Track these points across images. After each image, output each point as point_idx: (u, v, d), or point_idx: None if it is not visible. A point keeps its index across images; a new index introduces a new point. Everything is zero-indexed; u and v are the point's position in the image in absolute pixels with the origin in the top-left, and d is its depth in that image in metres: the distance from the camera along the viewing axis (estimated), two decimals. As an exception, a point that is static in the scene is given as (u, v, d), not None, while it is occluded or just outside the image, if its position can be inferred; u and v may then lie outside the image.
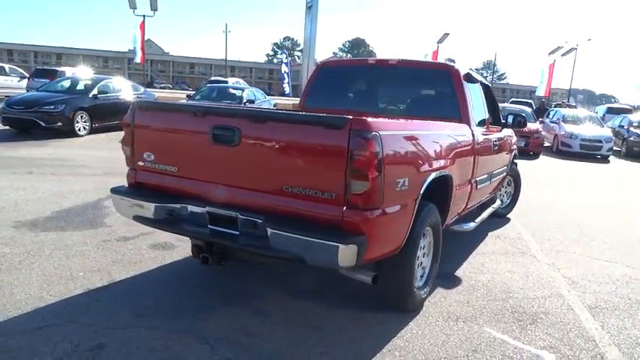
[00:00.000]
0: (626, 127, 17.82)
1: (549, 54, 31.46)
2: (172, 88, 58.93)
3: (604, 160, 15.65)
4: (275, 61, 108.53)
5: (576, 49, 32.21)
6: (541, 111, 21.99)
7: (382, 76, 4.86)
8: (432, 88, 4.64)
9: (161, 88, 55.55)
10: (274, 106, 15.95)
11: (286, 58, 31.92)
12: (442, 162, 3.43)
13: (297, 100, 23.65)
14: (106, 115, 12.84)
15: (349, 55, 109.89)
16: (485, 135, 4.71)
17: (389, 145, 2.70)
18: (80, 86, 13.30)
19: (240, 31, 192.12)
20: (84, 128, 12.13)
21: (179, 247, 4.58)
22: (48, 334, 2.92)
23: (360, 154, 2.54)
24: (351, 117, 2.59)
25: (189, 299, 3.53)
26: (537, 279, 4.39)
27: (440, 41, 30.26)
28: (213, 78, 29.37)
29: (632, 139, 17.05)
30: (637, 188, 11.08)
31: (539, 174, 11.14)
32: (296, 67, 33.93)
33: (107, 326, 3.06)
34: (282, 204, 2.83)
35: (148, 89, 16.77)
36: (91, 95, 12.48)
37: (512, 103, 24.21)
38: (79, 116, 11.99)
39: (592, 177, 12.31)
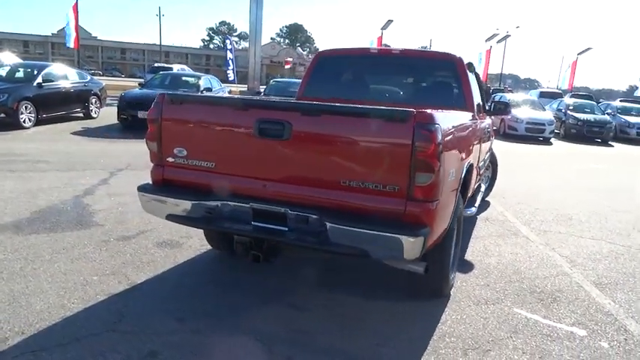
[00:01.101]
0: (563, 110, 19.02)
1: (486, 40, 32.86)
2: (103, 75, 55.83)
3: (546, 142, 16.65)
4: (211, 46, 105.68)
5: (510, 35, 33.83)
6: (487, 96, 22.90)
7: (385, 65, 4.87)
8: (437, 77, 4.72)
9: (92, 75, 52.36)
10: (229, 93, 15.57)
11: (230, 44, 31.08)
12: (471, 151, 3.52)
13: (244, 87, 23.21)
14: (52, 105, 12.02)
15: (287, 40, 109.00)
16: (482, 122, 4.86)
17: (445, 137, 2.73)
18: (21, 74, 12.31)
19: (174, 16, 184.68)
20: (29, 120, 11.26)
21: (186, 245, 4.42)
22: (91, 345, 2.73)
23: (425, 147, 2.55)
24: (414, 110, 2.59)
25: (220, 298, 3.42)
26: (539, 259, 4.63)
27: (384, 28, 30.66)
28: (157, 65, 28.09)
29: (569, 121, 18.26)
30: (585, 168, 11.89)
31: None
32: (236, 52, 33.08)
33: (150, 332, 2.90)
34: (339, 198, 2.79)
35: (94, 77, 15.76)
36: (35, 84, 11.57)
37: None
38: (24, 107, 11.10)
39: (542, 159, 13.07)
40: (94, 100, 13.91)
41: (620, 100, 27.15)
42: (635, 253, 5.02)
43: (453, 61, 4.53)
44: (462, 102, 4.41)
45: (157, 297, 3.39)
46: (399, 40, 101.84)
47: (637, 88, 46.03)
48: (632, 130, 18.98)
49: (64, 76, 12.87)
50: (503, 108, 5.54)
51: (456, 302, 3.56)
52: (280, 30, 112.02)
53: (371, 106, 2.82)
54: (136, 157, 8.61)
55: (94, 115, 13.94)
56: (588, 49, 33.97)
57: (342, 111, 2.78)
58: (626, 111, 20.30)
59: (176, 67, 23.95)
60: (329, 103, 2.98)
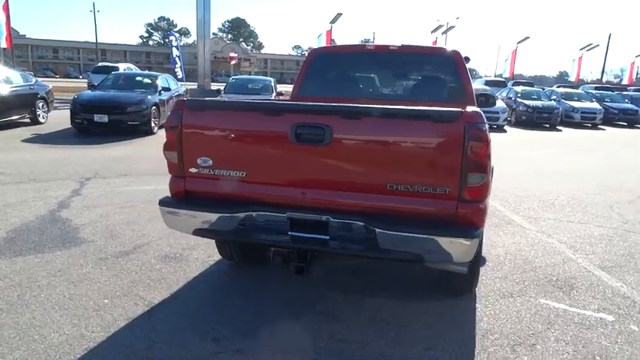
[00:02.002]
0: (513, 98, 19.79)
1: (431, 32, 33.59)
2: (34, 76, 52.47)
3: (500, 129, 17.25)
4: (151, 43, 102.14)
5: (454, 27, 34.78)
6: None
7: (383, 62, 4.80)
8: (437, 73, 4.70)
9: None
10: (186, 92, 15.05)
11: (176, 40, 30.02)
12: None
13: (193, 85, 22.17)
14: (-5, 111, 11.13)
15: (230, 35, 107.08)
16: None
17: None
18: (-44, 78, 11.32)
19: (110, 12, 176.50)
20: (-28, 128, 10.38)
21: (191, 257, 4.19)
22: (130, 379, 2.51)
23: (478, 147, 2.50)
24: (461, 110, 2.54)
25: (248, 312, 3.26)
26: (542, 247, 4.74)
27: (332, 21, 30.67)
28: (101, 64, 26.65)
29: (520, 109, 19.04)
30: (542, 153, 12.40)
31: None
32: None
33: (191, 357, 2.70)
34: (385, 203, 2.70)
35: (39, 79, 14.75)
36: (-26, 89, 10.68)
37: None
38: (-35, 114, 10.23)
39: (501, 146, 13.51)
40: (41, 105, 13.01)
41: (558, 86, 28.65)
42: (623, 234, 5.25)
43: (452, 55, 4.53)
44: (463, 97, 4.42)
45: (182, 317, 3.17)
46: (347, 34, 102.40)
47: (567, 74, 48.68)
48: (576, 114, 20.05)
49: (7, 79, 11.94)
50: (491, 101, 5.60)
51: (484, 297, 3.57)
52: (222, 25, 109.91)
53: (416, 107, 2.73)
54: (102, 163, 8.14)
55: (42, 121, 13.05)
56: (527, 38, 35.51)
57: (384, 113, 2.68)
58: (569, 97, 21.40)
59: (122, 67, 22.85)
60: (372, 105, 2.86)
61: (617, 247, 4.82)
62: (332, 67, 4.91)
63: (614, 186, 7.90)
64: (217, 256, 4.18)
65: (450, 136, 2.53)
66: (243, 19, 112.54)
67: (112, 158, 8.73)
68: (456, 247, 2.53)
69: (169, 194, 3.14)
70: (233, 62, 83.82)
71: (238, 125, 2.88)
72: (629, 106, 22.04)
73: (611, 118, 21.01)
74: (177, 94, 13.80)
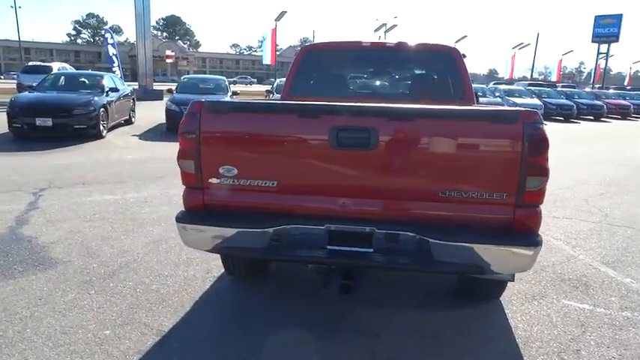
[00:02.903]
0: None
1: (374, 31, 34.02)
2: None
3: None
4: (79, 41, 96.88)
5: (396, 25, 35.40)
6: None
7: (379, 59, 4.61)
8: (437, 70, 4.57)
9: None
10: (133, 92, 14.20)
11: (112, 37, 28.44)
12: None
13: (134, 85, 20.85)
14: None
15: (164, 33, 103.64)
16: None
17: None
18: None
19: (32, 7, 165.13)
20: None
21: (188, 274, 3.82)
22: None
23: (538, 149, 2.35)
24: (520, 109, 2.38)
25: (277, 334, 2.95)
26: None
27: (277, 19, 30.32)
28: (31, 63, 24.69)
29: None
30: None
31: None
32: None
33: (228, 395, 2.38)
34: (437, 211, 2.50)
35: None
36: None
37: None
38: None
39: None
40: (-30, 108, 11.79)
41: (495, 83, 29.92)
42: (608, 228, 5.39)
43: (451, 52, 4.42)
44: (463, 94, 4.32)
45: (199, 343, 2.82)
46: (287, 33, 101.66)
47: (497, 72, 51.14)
48: (519, 110, 20.92)
49: None
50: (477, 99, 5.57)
51: (508, 301, 3.47)
52: (157, 22, 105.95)
53: (472, 107, 2.55)
54: (53, 172, 7.42)
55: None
56: (464, 37, 36.82)
57: (439, 114, 2.47)
58: (511, 93, 22.34)
59: (56, 66, 21.23)
60: (420, 106, 2.65)
61: (609, 242, 4.91)
62: (325, 64, 4.66)
63: (583, 179, 8.20)
64: (216, 272, 3.85)
65: (508, 138, 2.37)
66: (179, 17, 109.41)
67: (64, 166, 8.00)
68: (519, 257, 2.38)
69: (183, 208, 2.77)
70: (170, 61, 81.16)
71: (268, 129, 2.57)
72: (565, 101, 23.33)
73: (550, 114, 22.12)
74: (124, 94, 12.99)
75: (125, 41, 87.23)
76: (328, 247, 2.57)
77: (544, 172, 2.39)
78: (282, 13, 29.96)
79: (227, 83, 14.29)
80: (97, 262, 4.00)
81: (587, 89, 28.22)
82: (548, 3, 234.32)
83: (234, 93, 13.94)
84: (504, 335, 3.01)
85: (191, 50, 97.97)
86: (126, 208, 5.61)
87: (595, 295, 3.62)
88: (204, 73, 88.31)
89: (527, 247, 2.37)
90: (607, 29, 35.65)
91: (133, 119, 13.95)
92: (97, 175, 7.40)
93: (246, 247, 2.58)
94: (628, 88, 36.20)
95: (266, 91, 16.96)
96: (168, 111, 12.35)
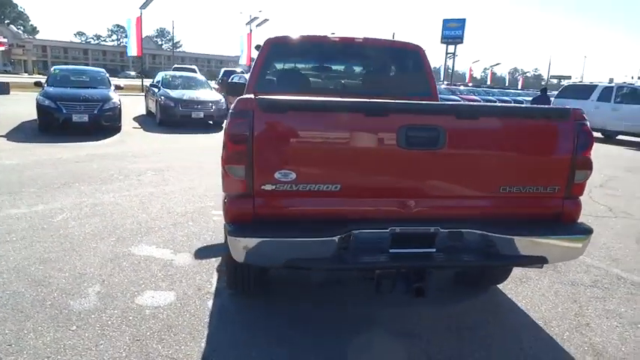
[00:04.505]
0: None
1: (246, 24, 33.57)
2: None
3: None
4: None
5: (268, 20, 35.27)
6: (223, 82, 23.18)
7: (347, 55, 4.54)
8: (404, 67, 4.63)
9: None
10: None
11: None
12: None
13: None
14: None
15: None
16: None
17: None
18: None
19: None
20: None
21: (179, 292, 3.39)
22: None
23: (587, 144, 2.53)
24: (571, 107, 2.54)
25: (321, 348, 2.76)
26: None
27: (143, 7, 28.22)
28: None
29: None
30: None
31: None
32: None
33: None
34: (498, 207, 2.55)
35: None
36: None
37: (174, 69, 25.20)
38: None
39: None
40: None
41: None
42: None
43: (417, 50, 4.53)
44: (428, 90, 4.47)
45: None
46: (150, 22, 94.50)
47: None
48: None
49: None
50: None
51: (502, 286, 3.68)
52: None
53: (531, 106, 2.63)
54: None
55: None
56: (333, 33, 38.12)
57: (503, 112, 2.51)
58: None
59: None
60: (486, 104, 2.65)
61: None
62: (291, 59, 4.47)
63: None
64: (207, 288, 3.48)
65: (562, 134, 2.52)
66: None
67: None
68: (576, 246, 2.54)
69: (227, 218, 2.43)
70: (2, 48, 71.12)
71: (332, 129, 2.37)
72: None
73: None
74: None
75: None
76: (391, 250, 2.47)
77: (590, 166, 2.58)
78: (149, 1, 27.95)
79: (108, 76, 12.91)
80: (55, 290, 3.34)
81: (443, 86, 31.25)
82: (402, 5, 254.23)
83: (118, 87, 12.67)
84: (522, 319, 3.20)
85: (27, 37, 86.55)
86: (45, 223, 4.77)
87: (568, 273, 4.02)
88: (46, 63, 78.90)
89: (585, 236, 2.54)
90: (453, 32, 39.82)
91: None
92: (-19, 184, 6.17)
93: (314, 259, 2.35)
94: (470, 85, 40.93)
95: (150, 84, 15.65)
96: (41, 107, 10.75)
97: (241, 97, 2.37)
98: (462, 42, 40.29)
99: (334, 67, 4.72)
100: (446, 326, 3.06)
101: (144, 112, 16.04)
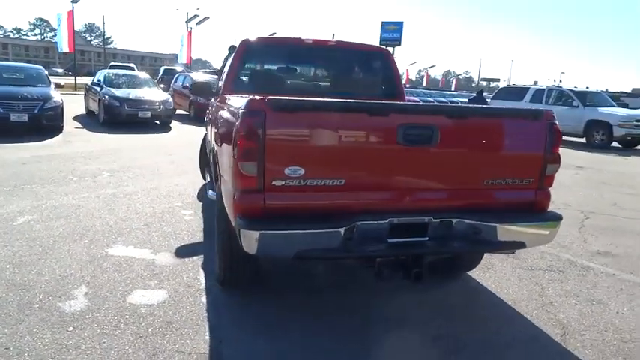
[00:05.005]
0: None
1: (186, 22, 32.84)
2: None
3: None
4: None
5: (208, 18, 34.57)
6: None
7: (320, 56, 4.71)
8: (374, 69, 4.86)
9: None
10: None
11: None
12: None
13: None
14: None
15: None
16: None
17: None
18: None
19: None
20: None
21: (163, 293, 3.41)
22: None
23: (556, 141, 2.87)
24: (544, 109, 2.86)
25: (337, 334, 2.92)
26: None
27: (74, 0, 26.91)
28: None
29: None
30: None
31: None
32: None
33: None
34: (480, 198, 2.83)
35: None
36: None
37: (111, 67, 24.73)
38: None
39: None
40: None
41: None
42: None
43: (384, 52, 4.81)
44: (395, 91, 4.75)
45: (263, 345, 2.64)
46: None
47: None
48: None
49: None
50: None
51: (472, 273, 4.00)
52: None
53: (513, 107, 2.92)
54: None
55: None
56: (274, 34, 38.12)
57: (486, 113, 2.79)
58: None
59: None
60: (473, 105, 2.90)
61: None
62: (266, 60, 4.59)
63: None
64: (197, 284, 3.53)
65: (536, 132, 2.83)
66: None
67: None
68: (549, 231, 2.87)
69: (237, 213, 2.53)
70: None
71: (338, 127, 2.54)
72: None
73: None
74: None
75: None
76: (389, 240, 2.68)
77: (559, 160, 2.92)
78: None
79: (47, 73, 12.28)
80: (39, 293, 3.26)
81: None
82: (342, 6, 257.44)
83: (58, 85, 12.09)
84: (496, 299, 3.53)
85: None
86: (6, 227, 4.58)
87: (527, 260, 4.42)
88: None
89: (557, 222, 2.88)
90: (391, 34, 40.93)
91: None
92: None
93: (323, 249, 2.52)
94: (408, 86, 42.34)
95: (91, 83, 14.99)
96: (-26, 107, 10.09)
97: (252, 97, 2.49)
98: (399, 44, 41.53)
99: (307, 69, 4.88)
100: (434, 309, 3.31)
101: (83, 112, 15.38)
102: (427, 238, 2.74)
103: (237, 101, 2.84)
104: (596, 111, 14.85)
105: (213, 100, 5.54)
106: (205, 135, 6.46)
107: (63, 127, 11.24)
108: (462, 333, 3.02)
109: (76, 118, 14.10)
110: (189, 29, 32.70)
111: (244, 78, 4.48)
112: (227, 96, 3.72)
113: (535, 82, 38.04)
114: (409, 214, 2.70)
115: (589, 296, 3.67)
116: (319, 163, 2.54)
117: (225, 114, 3.12)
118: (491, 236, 2.75)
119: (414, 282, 2.75)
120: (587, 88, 19.06)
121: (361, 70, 4.97)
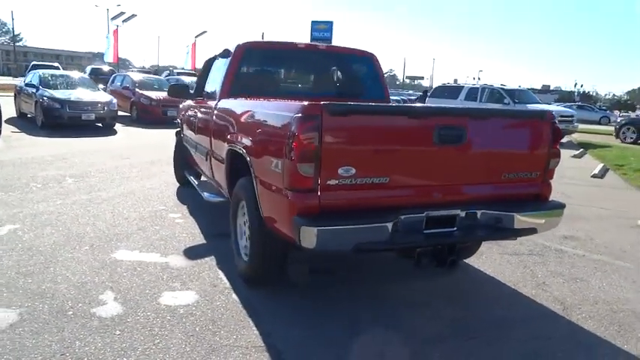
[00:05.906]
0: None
1: (112, 19, 31.46)
2: None
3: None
4: None
5: (136, 15, 33.22)
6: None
7: (312, 60, 4.90)
8: (363, 72, 5.12)
9: None
10: None
11: None
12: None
13: None
14: None
15: None
16: None
17: None
18: None
19: None
20: None
21: (191, 293, 3.48)
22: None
23: (557, 138, 3.29)
24: (549, 110, 3.27)
25: (357, 326, 3.14)
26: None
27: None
28: None
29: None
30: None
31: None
32: None
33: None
34: (499, 190, 3.18)
35: None
36: None
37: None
38: None
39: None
40: None
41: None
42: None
43: (371, 56, 5.10)
44: (382, 94, 5.07)
45: (314, 340, 2.81)
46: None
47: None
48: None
49: None
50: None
51: (466, 262, 4.37)
52: None
53: (527, 109, 3.30)
54: None
55: None
56: (204, 32, 37.57)
57: (505, 114, 3.14)
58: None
59: None
60: (493, 108, 3.23)
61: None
62: (263, 64, 4.71)
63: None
64: (222, 284, 3.62)
65: (544, 131, 3.23)
66: None
67: None
68: (557, 218, 3.27)
69: (294, 212, 2.69)
70: None
71: (384, 129, 2.78)
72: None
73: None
74: None
75: None
76: (425, 231, 2.96)
77: (559, 155, 3.34)
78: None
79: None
80: (67, 301, 3.21)
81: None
82: (271, 5, 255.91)
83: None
84: (497, 283, 3.92)
85: None
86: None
87: (507, 246, 4.86)
88: None
89: (562, 209, 3.30)
90: (322, 33, 41.57)
91: None
92: None
93: (375, 242, 2.74)
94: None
95: (25, 84, 14.04)
96: None
97: (308, 102, 2.67)
98: (330, 43, 42.27)
99: (301, 71, 5.06)
100: (445, 295, 3.63)
101: (14, 115, 14.40)
102: (455, 229, 3.05)
103: (281, 106, 3.00)
104: (526, 108, 16.15)
105: (192, 102, 5.56)
106: (181, 139, 6.42)
107: (0, 131, 10.51)
108: (480, 313, 3.36)
109: (9, 122, 13.16)
110: (115, 27, 31.34)
111: (241, 81, 4.56)
112: (249, 101, 3.84)
113: (455, 81, 40.10)
114: (442, 207, 2.99)
115: (572, 275, 4.16)
116: (368, 162, 2.76)
117: (263, 117, 3.24)
118: (510, 224, 3.11)
119: (447, 269, 3.05)
120: (502, 85, 20.51)
121: (349, 73, 5.21)
